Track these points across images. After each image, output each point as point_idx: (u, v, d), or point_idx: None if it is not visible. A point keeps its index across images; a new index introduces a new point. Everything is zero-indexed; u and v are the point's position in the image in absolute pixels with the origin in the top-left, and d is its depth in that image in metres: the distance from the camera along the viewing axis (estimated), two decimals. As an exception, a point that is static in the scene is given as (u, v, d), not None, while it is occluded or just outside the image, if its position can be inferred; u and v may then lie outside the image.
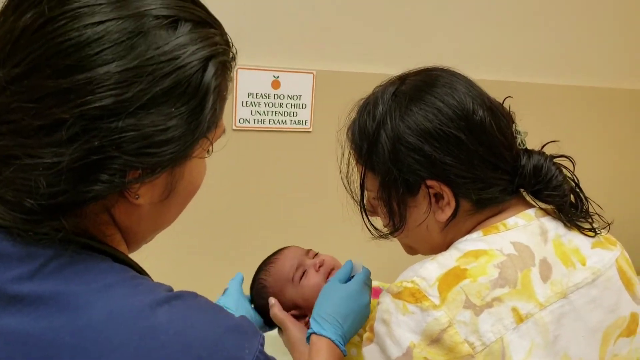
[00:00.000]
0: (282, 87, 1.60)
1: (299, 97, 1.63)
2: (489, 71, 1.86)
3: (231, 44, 0.61)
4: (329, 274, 1.01)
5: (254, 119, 1.60)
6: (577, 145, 1.96)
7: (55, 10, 0.50)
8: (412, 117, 0.74)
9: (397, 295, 0.69)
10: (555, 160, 0.80)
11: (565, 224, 0.79)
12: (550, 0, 1.91)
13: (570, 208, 0.79)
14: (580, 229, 0.79)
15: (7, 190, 0.51)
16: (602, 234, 0.81)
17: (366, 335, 0.74)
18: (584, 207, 0.80)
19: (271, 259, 1.08)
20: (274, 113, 1.61)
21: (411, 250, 0.87)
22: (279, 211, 1.68)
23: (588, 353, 0.73)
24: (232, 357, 0.53)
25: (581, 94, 2.02)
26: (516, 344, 0.66)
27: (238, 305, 1.00)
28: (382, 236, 0.85)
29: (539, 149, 0.82)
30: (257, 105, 1.59)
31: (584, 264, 0.75)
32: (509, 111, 0.80)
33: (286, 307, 1.00)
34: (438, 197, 0.76)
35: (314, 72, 1.62)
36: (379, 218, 0.85)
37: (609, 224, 0.82)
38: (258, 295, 1.05)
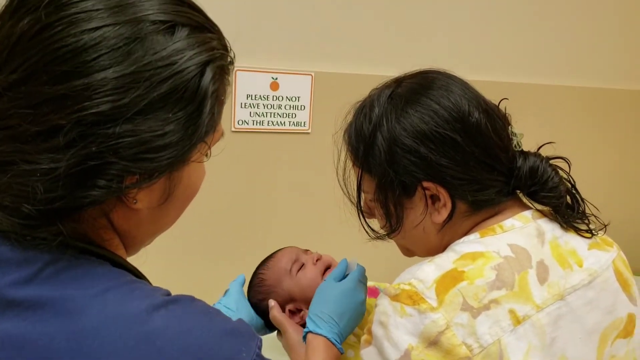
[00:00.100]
0: (280, 88, 1.60)
1: (297, 98, 1.63)
2: (488, 72, 1.87)
3: (229, 48, 0.61)
4: (326, 270, 1.03)
5: (253, 121, 1.60)
6: (575, 146, 1.98)
7: (52, 16, 0.50)
8: (408, 119, 0.75)
9: (395, 298, 0.69)
10: (551, 161, 0.81)
11: (562, 226, 0.79)
12: (548, 1, 1.91)
13: (567, 209, 0.79)
14: (577, 230, 0.79)
15: (5, 195, 0.51)
16: (599, 235, 0.82)
17: (364, 337, 0.74)
18: (581, 209, 0.81)
19: (269, 257, 1.09)
20: (272, 114, 1.61)
21: (408, 252, 0.88)
22: (277, 212, 1.69)
23: (585, 354, 0.73)
24: None
25: (579, 94, 2.02)
26: (513, 346, 0.66)
27: (239, 306, 1.00)
28: (379, 237, 0.85)
29: (536, 150, 0.82)
30: (256, 106, 1.59)
31: (580, 266, 0.76)
32: (505, 113, 0.81)
33: (282, 300, 1.01)
34: (434, 198, 0.77)
35: (313, 74, 1.62)
36: (376, 220, 0.85)
37: (605, 225, 0.83)
38: (255, 291, 1.05)
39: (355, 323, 0.91)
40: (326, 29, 1.63)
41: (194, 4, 0.58)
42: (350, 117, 0.83)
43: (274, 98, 1.60)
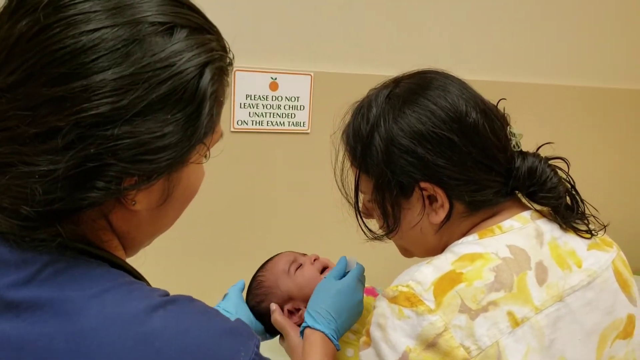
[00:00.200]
0: (280, 88, 1.60)
1: (297, 98, 1.63)
2: (487, 72, 1.86)
3: (228, 49, 0.61)
4: (324, 270, 1.03)
5: (252, 121, 1.60)
6: (575, 146, 1.98)
7: (50, 18, 0.50)
8: (405, 120, 0.75)
9: (393, 300, 0.69)
10: (551, 161, 0.80)
11: (561, 226, 0.79)
12: (548, 0, 1.91)
13: (566, 210, 0.79)
14: (576, 231, 0.79)
15: (4, 197, 0.51)
16: (599, 235, 0.82)
17: (363, 339, 0.74)
18: (580, 209, 0.81)
19: (267, 261, 1.10)
20: (272, 115, 1.61)
21: (406, 252, 0.88)
22: (276, 212, 1.69)
23: (585, 355, 0.73)
24: None
25: (579, 94, 2.02)
26: (512, 348, 0.66)
27: (238, 310, 1.01)
28: (377, 238, 0.85)
29: (535, 150, 0.82)
30: (255, 107, 1.59)
31: (580, 267, 0.75)
32: (504, 113, 0.80)
33: (281, 300, 1.01)
34: (432, 199, 0.77)
35: (312, 74, 1.62)
36: (374, 220, 0.85)
37: (605, 226, 0.83)
38: (254, 293, 1.05)
39: (353, 321, 0.92)
40: (325, 29, 1.63)
41: (192, 5, 0.58)
42: (348, 117, 0.83)
43: (273, 98, 1.60)
